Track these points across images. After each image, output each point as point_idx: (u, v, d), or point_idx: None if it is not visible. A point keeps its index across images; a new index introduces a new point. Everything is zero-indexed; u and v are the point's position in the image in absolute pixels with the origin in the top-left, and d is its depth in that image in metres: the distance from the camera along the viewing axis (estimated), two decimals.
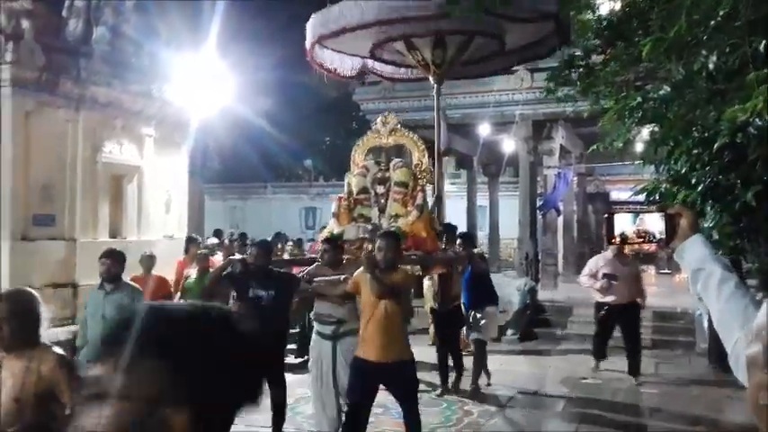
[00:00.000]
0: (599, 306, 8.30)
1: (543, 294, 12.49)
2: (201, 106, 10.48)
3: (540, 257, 13.62)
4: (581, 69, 7.39)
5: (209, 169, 15.25)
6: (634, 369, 8.04)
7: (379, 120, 7.27)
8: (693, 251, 1.76)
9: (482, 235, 17.90)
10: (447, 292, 7.31)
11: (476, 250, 7.86)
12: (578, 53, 7.83)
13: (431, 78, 8.00)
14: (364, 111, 14.61)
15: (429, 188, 7.45)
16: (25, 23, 8.24)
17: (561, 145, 14.78)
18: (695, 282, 1.73)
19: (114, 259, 5.43)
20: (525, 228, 13.29)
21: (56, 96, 8.29)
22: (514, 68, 12.77)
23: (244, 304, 5.33)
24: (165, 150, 9.69)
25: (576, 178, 16.74)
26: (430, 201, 7.28)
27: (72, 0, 8.88)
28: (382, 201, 6.92)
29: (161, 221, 9.52)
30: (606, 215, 20.44)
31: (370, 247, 5.70)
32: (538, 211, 13.98)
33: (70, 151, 8.45)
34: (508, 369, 8.66)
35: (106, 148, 8.82)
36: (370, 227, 6.54)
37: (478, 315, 7.31)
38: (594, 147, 8.81)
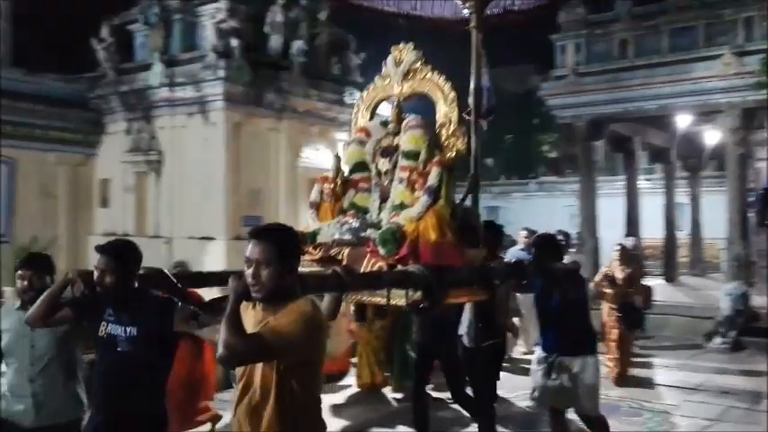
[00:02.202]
0: None
1: (758, 300, 11.26)
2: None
3: (753, 259, 12.31)
4: None
5: None
6: None
7: (389, 58, 4.53)
8: None
9: (682, 234, 16.60)
10: (488, 323, 4.86)
11: (566, 261, 5.51)
12: None
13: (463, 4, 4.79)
14: (550, 106, 14.18)
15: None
16: (234, 42, 9.06)
17: None
18: None
19: (35, 269, 3.59)
20: (735, 227, 12.07)
21: (261, 108, 9.03)
22: (720, 52, 11.71)
23: (96, 348, 3.21)
24: None
25: None
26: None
27: (273, 17, 9.59)
28: (386, 182, 4.37)
29: None
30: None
31: (346, 255, 3.80)
32: (749, 208, 12.65)
33: (273, 158, 9.16)
34: (717, 382, 7.91)
35: (304, 153, 9.45)
36: (354, 223, 3.98)
37: (575, 369, 4.61)
38: None
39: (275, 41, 9.61)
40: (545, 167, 26.90)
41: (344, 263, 3.51)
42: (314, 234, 3.97)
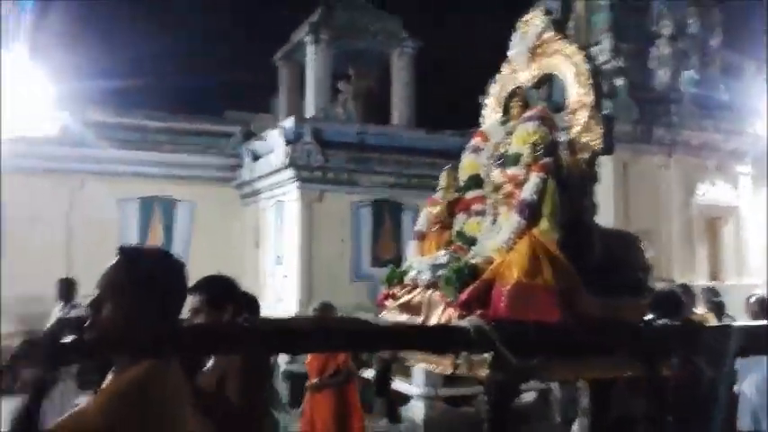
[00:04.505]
0: None
1: None
2: None
3: None
4: None
5: None
6: None
7: (515, 35, 3.24)
8: None
9: None
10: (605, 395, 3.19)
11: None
12: None
13: None
14: None
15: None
16: (619, 81, 8.97)
17: None
18: None
19: None
20: None
21: (649, 145, 8.73)
22: None
23: None
24: (763, 187, 9.13)
25: None
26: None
27: (659, 51, 9.27)
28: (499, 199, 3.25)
29: (762, 264, 8.90)
30: None
31: (427, 296, 2.80)
32: None
33: (663, 196, 8.73)
34: None
35: (699, 190, 8.83)
36: (443, 258, 2.86)
37: None
38: None
39: (662, 75, 9.24)
40: None
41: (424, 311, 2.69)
42: (402, 273, 3.03)
